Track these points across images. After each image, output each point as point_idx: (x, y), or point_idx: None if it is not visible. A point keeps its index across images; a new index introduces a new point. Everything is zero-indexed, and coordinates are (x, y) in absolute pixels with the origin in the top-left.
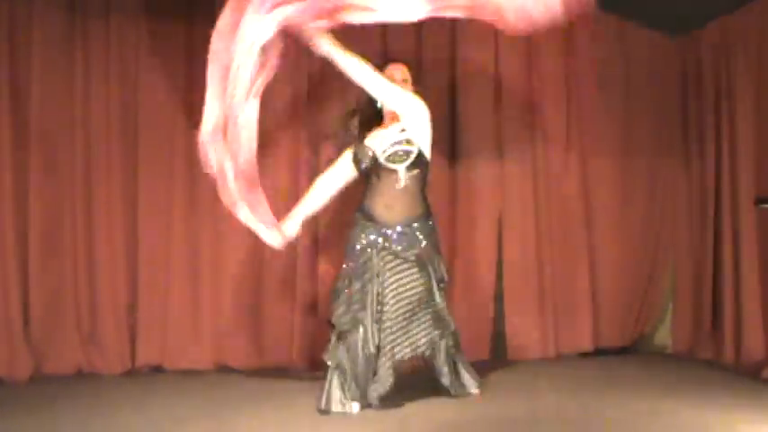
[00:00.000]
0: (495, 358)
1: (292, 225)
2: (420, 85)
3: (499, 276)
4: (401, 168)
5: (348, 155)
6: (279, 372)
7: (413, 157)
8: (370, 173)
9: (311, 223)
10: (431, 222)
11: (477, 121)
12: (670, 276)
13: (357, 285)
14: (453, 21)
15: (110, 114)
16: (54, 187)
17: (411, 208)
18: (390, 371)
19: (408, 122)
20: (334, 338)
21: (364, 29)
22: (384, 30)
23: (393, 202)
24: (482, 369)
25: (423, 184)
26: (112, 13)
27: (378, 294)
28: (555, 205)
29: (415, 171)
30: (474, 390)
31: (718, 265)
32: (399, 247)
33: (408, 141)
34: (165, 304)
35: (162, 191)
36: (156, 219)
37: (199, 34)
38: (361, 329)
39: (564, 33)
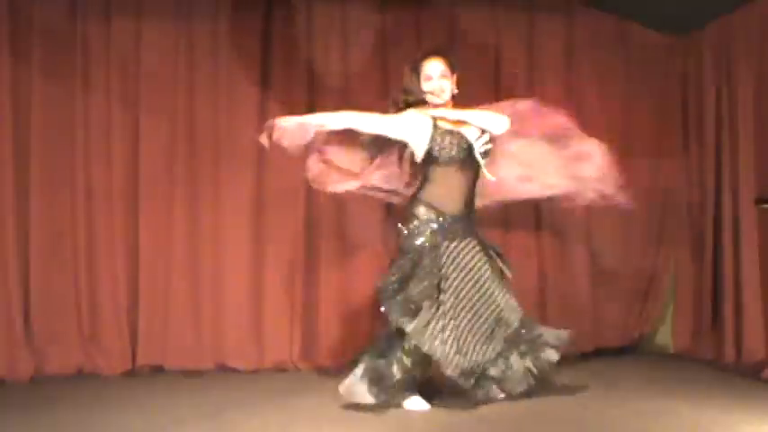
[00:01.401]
0: None
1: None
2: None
3: None
4: (482, 165)
5: (418, 136)
6: (279, 372)
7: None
8: (452, 164)
9: (311, 224)
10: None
11: None
12: (670, 276)
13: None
14: (453, 21)
15: (110, 115)
16: (55, 187)
17: (473, 201)
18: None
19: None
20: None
21: (363, 31)
22: (384, 30)
23: (468, 197)
24: None
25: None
26: (113, 13)
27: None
28: (556, 205)
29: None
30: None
31: (718, 265)
32: (470, 241)
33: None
34: (166, 304)
35: (163, 191)
36: (156, 219)
37: (199, 33)
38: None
39: (564, 33)
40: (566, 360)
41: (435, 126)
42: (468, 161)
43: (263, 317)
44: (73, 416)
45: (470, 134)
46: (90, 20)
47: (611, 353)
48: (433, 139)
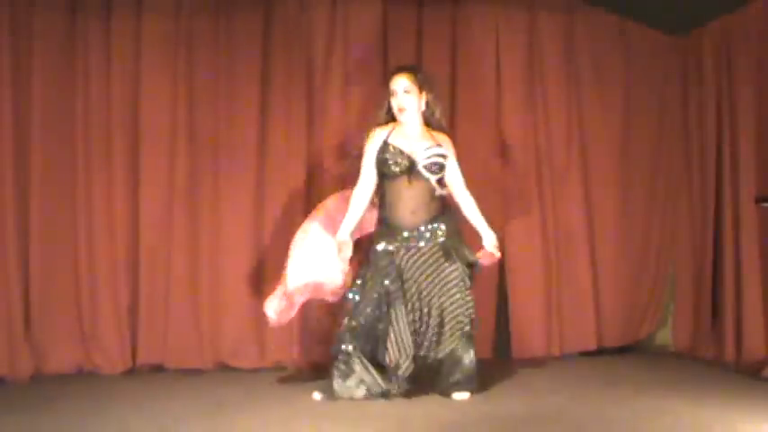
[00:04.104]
0: (499, 357)
1: (341, 234)
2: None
3: (502, 276)
4: (433, 179)
5: (371, 159)
6: (279, 371)
7: (444, 172)
8: (399, 177)
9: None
10: (446, 213)
11: (477, 121)
12: (671, 276)
13: (386, 286)
14: (454, 21)
15: (111, 115)
16: (55, 187)
17: (434, 210)
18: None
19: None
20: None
21: (364, 29)
22: (385, 29)
23: (418, 207)
24: (485, 368)
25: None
26: (113, 12)
27: (412, 293)
28: (557, 205)
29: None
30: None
31: (718, 264)
32: (423, 243)
33: (444, 156)
34: (166, 303)
35: (163, 190)
36: (156, 218)
37: (200, 33)
38: (389, 328)
39: (564, 33)
40: (566, 359)
41: (385, 143)
42: (417, 174)
43: (263, 316)
44: (73, 415)
45: (418, 149)
46: (90, 20)
47: (613, 352)
48: (380, 158)
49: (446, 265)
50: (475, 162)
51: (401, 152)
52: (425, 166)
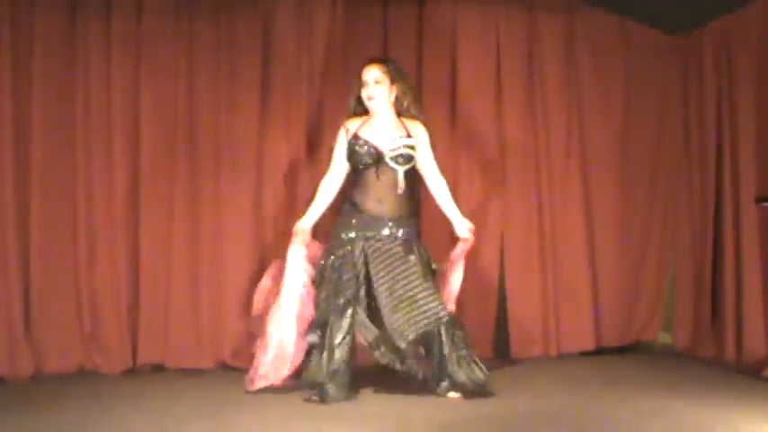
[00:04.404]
0: (499, 357)
1: (303, 222)
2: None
3: (501, 276)
4: (401, 171)
5: (341, 151)
6: None
7: (413, 162)
8: (368, 168)
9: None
10: (413, 219)
11: (477, 123)
12: (671, 275)
13: (344, 274)
14: (454, 22)
15: (111, 115)
16: (55, 187)
17: (401, 207)
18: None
19: (413, 135)
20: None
21: (364, 30)
22: (385, 29)
23: (385, 197)
24: (486, 368)
25: (412, 183)
26: (113, 13)
27: (369, 281)
28: (557, 205)
29: (409, 171)
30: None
31: (719, 264)
32: (387, 235)
33: (412, 147)
34: (167, 303)
35: (163, 191)
36: (156, 219)
37: (201, 33)
38: (347, 315)
39: (564, 33)
40: (566, 359)
41: (356, 136)
42: (385, 166)
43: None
44: (73, 415)
45: (386, 140)
46: (90, 20)
47: (612, 352)
48: (350, 149)
49: (406, 256)
50: (474, 163)
51: (370, 144)
52: (392, 158)
